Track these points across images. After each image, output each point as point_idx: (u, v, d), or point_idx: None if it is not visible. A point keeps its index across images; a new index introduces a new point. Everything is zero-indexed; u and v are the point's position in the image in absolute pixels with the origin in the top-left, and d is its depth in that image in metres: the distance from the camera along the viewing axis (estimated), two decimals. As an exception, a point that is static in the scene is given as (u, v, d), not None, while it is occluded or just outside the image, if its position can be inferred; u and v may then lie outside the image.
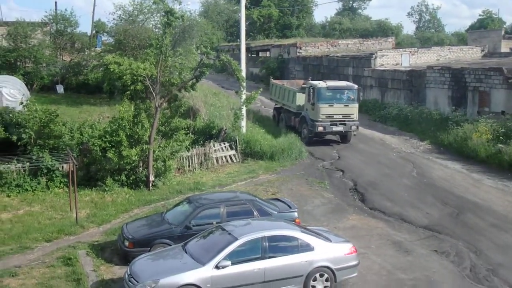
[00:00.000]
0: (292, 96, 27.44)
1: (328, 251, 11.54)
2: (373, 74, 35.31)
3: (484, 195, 18.20)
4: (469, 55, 40.33)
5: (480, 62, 34.21)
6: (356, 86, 25.90)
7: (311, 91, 25.21)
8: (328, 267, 11.41)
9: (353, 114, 25.18)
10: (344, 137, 26.01)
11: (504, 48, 45.18)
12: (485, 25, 67.01)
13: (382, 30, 66.75)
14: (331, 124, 24.92)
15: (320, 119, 24.80)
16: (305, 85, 27.25)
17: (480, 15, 75.48)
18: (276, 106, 30.42)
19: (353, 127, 25.29)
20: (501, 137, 22.34)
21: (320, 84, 25.52)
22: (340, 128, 25.16)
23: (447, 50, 40.33)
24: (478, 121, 24.31)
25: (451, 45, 49.82)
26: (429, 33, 78.88)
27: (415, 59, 37.45)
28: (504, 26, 67.97)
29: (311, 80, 29.72)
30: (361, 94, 26.37)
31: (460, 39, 66.62)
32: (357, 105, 25.40)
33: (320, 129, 24.88)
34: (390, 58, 36.81)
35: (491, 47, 44.22)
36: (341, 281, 11.64)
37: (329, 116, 24.88)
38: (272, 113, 31.16)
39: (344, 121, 25.01)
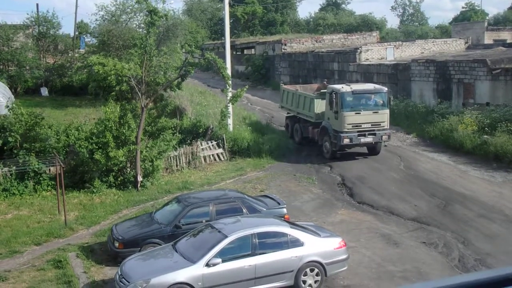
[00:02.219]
0: (309, 104, 23.60)
1: (318, 246, 11.64)
2: (358, 68, 35.49)
3: (471, 186, 18.44)
4: (453, 47, 40.64)
5: (464, 54, 34.55)
6: (385, 88, 22.34)
7: (334, 97, 21.24)
8: (318, 262, 11.51)
9: (383, 121, 21.49)
10: (372, 149, 22.38)
11: (487, 40, 45.67)
12: (468, 17, 67.68)
13: (366, 24, 67.09)
14: (358, 135, 21.14)
15: (346, 130, 21.02)
16: (323, 90, 23.63)
17: (463, 8, 76.35)
18: (289, 115, 26.37)
19: (384, 137, 21.58)
20: (486, 128, 22.63)
21: (344, 88, 21.45)
22: (369, 139, 21.39)
23: (431, 43, 40.59)
24: (463, 113, 24.58)
25: (435, 38, 50.21)
26: (413, 26, 79.49)
27: (399, 53, 37.70)
28: (487, 17, 68.73)
29: (326, 81, 26.70)
30: (391, 98, 22.77)
31: (444, 32, 67.20)
32: (387, 111, 21.68)
33: (346, 141, 21.09)
34: (374, 52, 37.03)
35: (474, 39, 44.66)
36: (331, 275, 11.75)
37: (356, 126, 21.14)
38: (284, 123, 27.11)
39: (374, 130, 21.31)
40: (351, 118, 21.07)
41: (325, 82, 26.82)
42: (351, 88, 21.61)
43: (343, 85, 22.11)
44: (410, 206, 16.84)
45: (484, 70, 25.64)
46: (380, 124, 21.47)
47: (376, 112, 21.42)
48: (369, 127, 21.29)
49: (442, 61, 28.96)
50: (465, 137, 22.59)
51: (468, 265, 12.67)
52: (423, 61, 30.33)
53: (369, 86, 22.77)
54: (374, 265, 12.76)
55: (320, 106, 22.97)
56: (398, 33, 71.01)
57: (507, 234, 14.36)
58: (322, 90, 23.80)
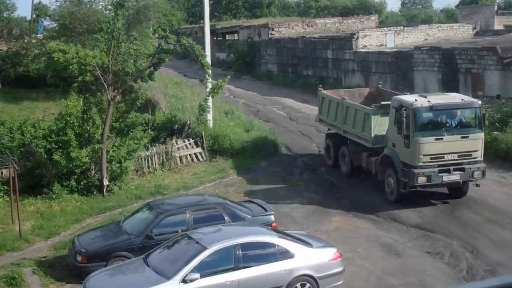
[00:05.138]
0: (363, 120, 18.90)
1: (310, 258, 11.62)
2: (355, 57, 35.60)
3: (480, 188, 18.49)
4: (459, 33, 40.99)
5: (472, 41, 34.86)
6: (478, 101, 17.52)
7: (403, 114, 16.42)
8: (310, 276, 11.49)
9: (476, 150, 16.80)
10: (457, 189, 17.70)
11: (497, 25, 46.04)
12: (476, 0, 68.26)
13: (364, 7, 67.27)
14: (440, 171, 16.47)
15: (422, 163, 16.42)
16: (383, 101, 19.09)
17: (471, -11, 76.88)
18: (330, 132, 21.91)
19: (477, 173, 16.79)
20: (496, 123, 22.75)
21: (419, 101, 16.71)
22: (455, 176, 16.67)
23: (435, 28, 40.92)
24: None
25: (440, 23, 50.56)
26: (415, 9, 80.00)
27: (401, 39, 37.89)
28: (497, 0, 69.41)
29: (380, 84, 23.48)
30: (486, 114, 18.43)
31: (450, 16, 67.70)
32: (482, 134, 17.08)
33: (422, 180, 16.38)
34: (373, 39, 37.18)
35: (483, 24, 45.04)
36: (325, 290, 11.74)
37: (436, 158, 16.52)
38: (324, 143, 22.45)
39: (462, 163, 16.71)
40: (429, 146, 16.48)
41: (379, 86, 23.02)
42: (428, 101, 16.74)
43: (417, 97, 17.40)
44: (414, 211, 16.87)
45: (494, 59, 25.86)
46: (471, 155, 16.81)
47: (465, 137, 16.78)
48: (455, 159, 16.70)
49: (448, 48, 29.17)
50: (474, 134, 22.70)
51: (477, 277, 12.80)
52: (426, 49, 30.51)
53: (455, 98, 17.86)
54: (373, 278, 12.79)
55: (380, 124, 18.37)
56: (399, 17, 71.42)
57: (521, 242, 14.48)
58: (383, 103, 18.72)
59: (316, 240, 12.62)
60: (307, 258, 11.59)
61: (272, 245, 11.53)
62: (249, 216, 13.83)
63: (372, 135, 18.45)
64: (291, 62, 42.53)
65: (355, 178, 20.02)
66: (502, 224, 15.59)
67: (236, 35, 54.54)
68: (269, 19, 54.66)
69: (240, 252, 11.16)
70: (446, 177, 16.60)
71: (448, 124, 16.87)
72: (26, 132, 19.98)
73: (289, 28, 46.46)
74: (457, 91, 27.34)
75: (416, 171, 16.33)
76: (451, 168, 16.61)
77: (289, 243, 11.67)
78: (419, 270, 13.16)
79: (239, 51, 47.60)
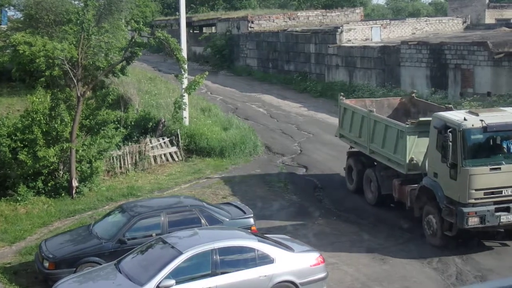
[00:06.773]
0: (395, 140, 16.23)
1: (291, 263, 11.69)
2: (338, 51, 35.81)
3: (469, 190, 18.72)
4: (449, 27, 41.48)
5: (462, 35, 35.29)
6: None
7: (449, 137, 13.79)
8: (291, 282, 11.54)
9: None
10: None
11: (488, 19, 46.67)
12: (466, -8, 69.08)
13: (349, -1, 67.74)
14: (497, 210, 13.90)
15: (473, 200, 13.79)
16: (417, 113, 17.57)
17: (460, -19, 77.75)
18: (353, 150, 19.40)
19: None
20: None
21: (469, 121, 13.96)
22: None
23: (423, 22, 41.34)
24: (461, 104, 25.04)
25: (428, 16, 51.09)
26: (402, 2, 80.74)
27: (387, 33, 38.21)
28: (488, -7, 70.29)
29: (414, 94, 20.66)
30: None
31: (439, 9, 68.52)
32: None
33: (474, 221, 13.75)
34: (358, 33, 37.42)
35: (474, 18, 45.61)
36: (307, 297, 11.81)
37: (492, 193, 13.91)
38: (346, 164, 19.60)
39: None
40: (483, 178, 13.81)
41: (413, 95, 20.32)
42: (481, 120, 13.91)
43: (466, 114, 14.53)
44: (401, 213, 17.00)
45: (485, 55, 26.19)
46: None
47: None
48: None
49: (437, 43, 29.50)
50: (464, 133, 22.92)
51: (467, 283, 12.88)
52: (414, 43, 30.81)
53: None
54: (358, 284, 12.88)
55: (417, 146, 15.76)
56: (386, 10, 72.09)
57: (512, 246, 14.66)
58: (421, 119, 16.03)
59: (297, 245, 12.67)
60: (288, 263, 11.65)
61: (251, 250, 11.58)
62: (227, 219, 13.88)
63: (407, 160, 15.75)
64: (272, 57, 42.66)
65: (338, 180, 20.16)
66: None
67: (213, 28, 54.54)
68: (248, 11, 54.76)
69: (218, 257, 11.18)
70: (505, 217, 13.96)
71: (506, 150, 14.21)
72: (-11, 130, 19.79)
73: (269, 21, 46.56)
74: (446, 88, 27.81)
75: (465, 210, 13.69)
76: (511, 205, 14.09)
77: (269, 248, 11.72)
78: (406, 276, 13.27)
79: (217, 45, 47.61)
